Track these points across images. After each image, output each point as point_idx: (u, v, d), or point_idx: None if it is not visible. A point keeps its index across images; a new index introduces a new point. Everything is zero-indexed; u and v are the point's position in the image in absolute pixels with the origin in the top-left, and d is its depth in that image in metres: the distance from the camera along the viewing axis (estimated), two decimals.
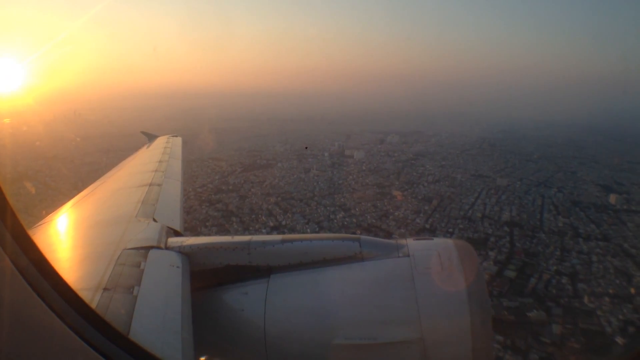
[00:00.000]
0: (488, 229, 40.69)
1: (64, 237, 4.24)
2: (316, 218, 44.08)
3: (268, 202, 49.45)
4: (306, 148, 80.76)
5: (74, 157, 59.50)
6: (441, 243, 2.96)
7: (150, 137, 10.37)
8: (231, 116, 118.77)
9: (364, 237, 3.07)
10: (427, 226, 41.24)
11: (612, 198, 51.22)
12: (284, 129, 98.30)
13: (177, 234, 3.73)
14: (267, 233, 37.37)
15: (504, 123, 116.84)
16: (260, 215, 45.20)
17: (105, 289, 2.36)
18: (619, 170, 66.84)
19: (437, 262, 2.74)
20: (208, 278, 3.06)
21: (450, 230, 40.47)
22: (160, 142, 9.52)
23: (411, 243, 2.96)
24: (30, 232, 1.64)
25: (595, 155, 75.65)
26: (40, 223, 4.66)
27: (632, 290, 31.54)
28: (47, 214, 4.99)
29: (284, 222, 43.20)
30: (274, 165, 65.42)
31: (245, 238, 3.14)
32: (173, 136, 10.07)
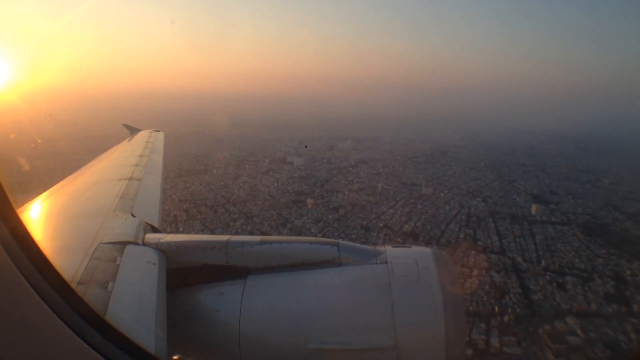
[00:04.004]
0: (380, 239, 39.46)
1: (37, 229, 4.04)
2: (214, 225, 43.38)
3: (179, 208, 49.05)
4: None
5: (26, 159, 59.87)
6: (419, 251, 2.98)
7: (132, 131, 10.26)
8: (197, 120, 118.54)
9: (342, 242, 3.09)
10: (320, 235, 40.14)
11: (534, 209, 49.67)
12: (243, 134, 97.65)
13: (155, 230, 3.68)
14: None
15: (471, 130, 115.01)
16: (163, 222, 44.63)
17: (79, 283, 2.33)
18: (563, 179, 65.02)
19: (414, 270, 2.76)
20: (184, 276, 3.03)
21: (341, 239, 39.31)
22: (142, 136, 9.37)
23: (389, 250, 2.97)
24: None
25: (545, 164, 73.71)
26: None
27: (496, 309, 30.13)
28: None
29: (181, 229, 42.60)
30: (210, 171, 64.92)
31: (224, 237, 3.14)
32: (155, 130, 9.92)
